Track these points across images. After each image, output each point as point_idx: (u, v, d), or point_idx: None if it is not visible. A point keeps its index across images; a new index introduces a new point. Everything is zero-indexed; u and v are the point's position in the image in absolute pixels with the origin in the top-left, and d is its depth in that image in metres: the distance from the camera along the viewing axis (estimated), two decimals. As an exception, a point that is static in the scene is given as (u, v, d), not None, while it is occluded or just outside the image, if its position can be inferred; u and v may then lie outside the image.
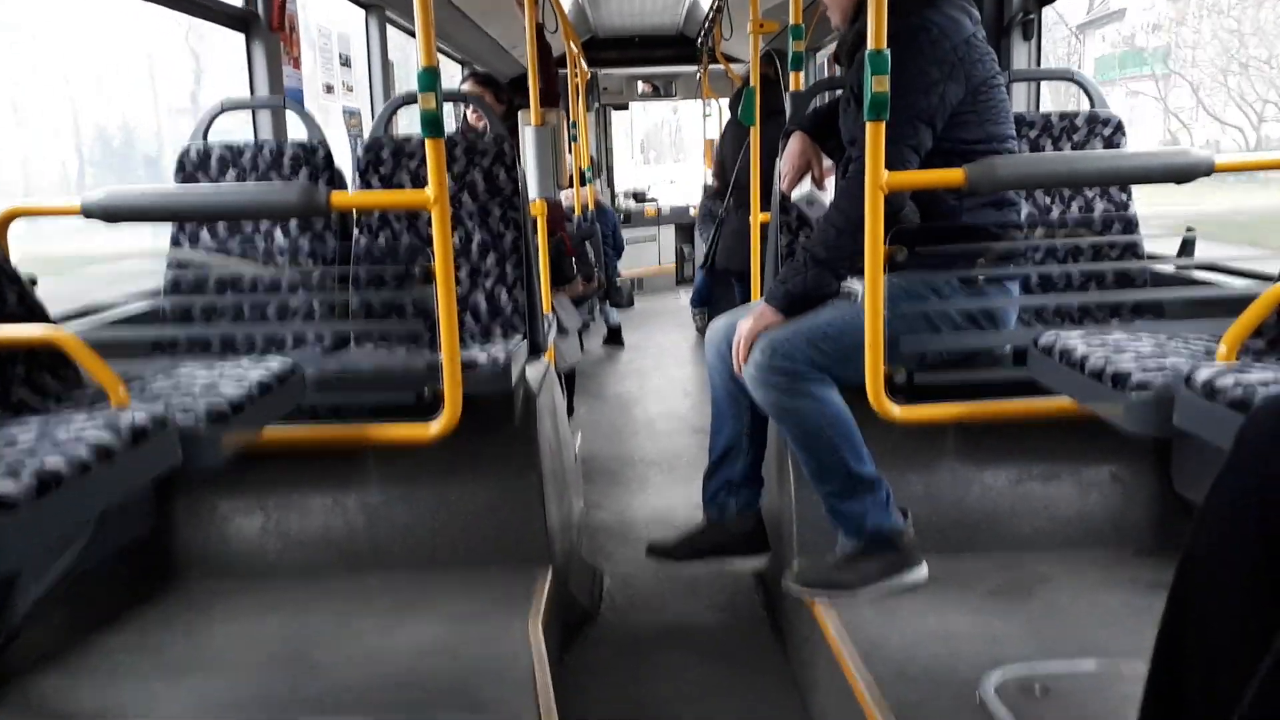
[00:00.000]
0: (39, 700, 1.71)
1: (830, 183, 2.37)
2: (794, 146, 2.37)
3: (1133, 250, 2.68)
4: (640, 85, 10.22)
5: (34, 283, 1.76)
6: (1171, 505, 2.26)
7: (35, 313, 1.73)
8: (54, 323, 1.79)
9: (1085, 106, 2.78)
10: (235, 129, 3.34)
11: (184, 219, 2.60)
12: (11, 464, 1.10)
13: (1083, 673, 1.67)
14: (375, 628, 1.97)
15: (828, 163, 2.39)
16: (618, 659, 2.50)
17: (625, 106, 10.76)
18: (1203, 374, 1.38)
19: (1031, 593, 2.03)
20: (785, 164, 2.39)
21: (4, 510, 1.02)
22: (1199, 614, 0.94)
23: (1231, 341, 1.47)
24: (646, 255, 10.00)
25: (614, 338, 7.22)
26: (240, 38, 3.30)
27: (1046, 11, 3.46)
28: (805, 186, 2.38)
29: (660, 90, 10.22)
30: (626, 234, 7.91)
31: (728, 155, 5.34)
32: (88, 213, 1.92)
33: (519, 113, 3.65)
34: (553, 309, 3.71)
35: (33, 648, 1.84)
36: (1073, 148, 2.72)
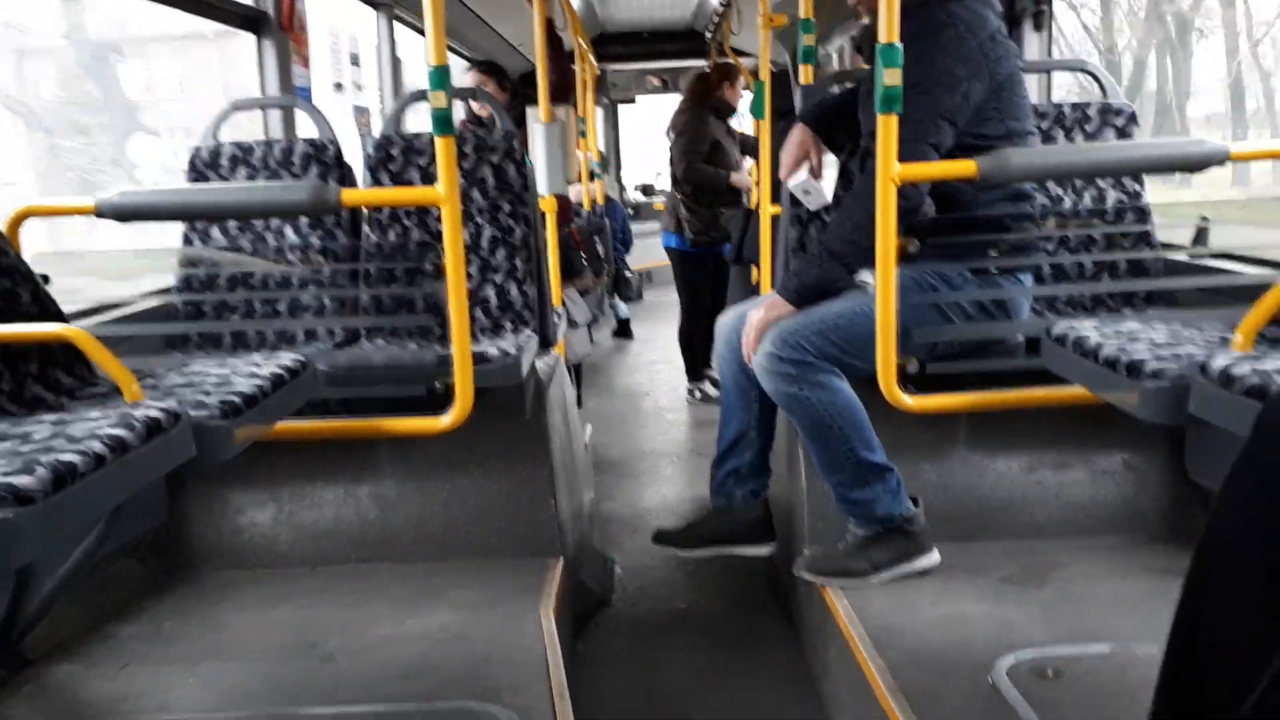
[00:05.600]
0: (55, 688, 1.73)
1: (828, 174, 2.39)
2: (795, 136, 2.39)
3: (1145, 239, 2.66)
4: (649, 80, 10.19)
5: (47, 280, 1.77)
6: (1185, 492, 2.25)
7: (49, 310, 1.74)
8: (67, 320, 1.80)
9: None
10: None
11: (196, 218, 2.62)
12: (28, 459, 1.11)
13: (1096, 656, 1.67)
14: (387, 617, 1.98)
15: (828, 156, 2.40)
16: (630, 647, 2.51)
17: (634, 101, 10.72)
18: (1219, 362, 1.37)
19: (1044, 579, 2.03)
20: (784, 153, 2.40)
21: (21, 503, 1.03)
22: (1216, 600, 0.93)
23: (1248, 330, 1.46)
24: (655, 249, 9.96)
25: (623, 331, 7.23)
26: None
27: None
28: (801, 175, 2.39)
29: (669, 85, 10.18)
30: (635, 228, 7.90)
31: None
32: (100, 213, 1.93)
33: (528, 109, 3.65)
34: (563, 302, 3.71)
35: (49, 637, 1.86)
36: (1085, 138, 2.70)
